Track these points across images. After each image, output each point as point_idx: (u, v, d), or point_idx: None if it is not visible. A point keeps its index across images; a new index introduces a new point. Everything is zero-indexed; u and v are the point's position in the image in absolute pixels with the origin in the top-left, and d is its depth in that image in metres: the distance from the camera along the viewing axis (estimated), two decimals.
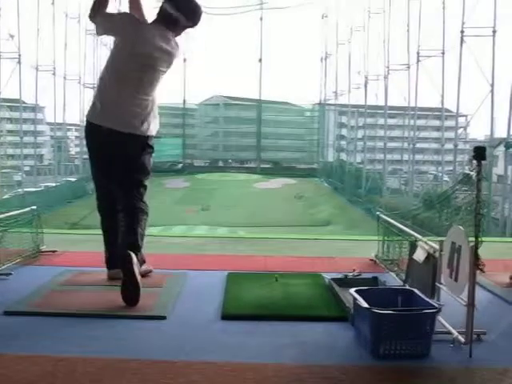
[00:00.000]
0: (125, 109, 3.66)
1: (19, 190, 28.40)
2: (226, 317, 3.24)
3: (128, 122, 3.67)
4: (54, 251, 4.79)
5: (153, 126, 3.80)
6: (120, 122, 3.65)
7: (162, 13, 3.77)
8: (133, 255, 3.39)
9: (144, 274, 3.85)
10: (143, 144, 3.79)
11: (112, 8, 3.77)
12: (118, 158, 3.70)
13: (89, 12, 3.76)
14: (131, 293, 3.33)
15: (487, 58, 20.77)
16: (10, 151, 33.76)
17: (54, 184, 31.56)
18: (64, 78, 30.63)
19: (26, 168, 32.61)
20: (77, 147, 44.62)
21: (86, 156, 4.00)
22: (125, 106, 3.67)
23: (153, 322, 3.16)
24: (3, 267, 4.10)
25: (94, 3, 3.70)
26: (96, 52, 31.46)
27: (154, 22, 3.80)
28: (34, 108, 30.96)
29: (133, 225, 3.68)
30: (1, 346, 2.76)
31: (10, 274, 4.05)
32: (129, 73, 3.65)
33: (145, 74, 3.69)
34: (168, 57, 3.77)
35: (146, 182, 3.85)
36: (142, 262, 3.70)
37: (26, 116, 31.29)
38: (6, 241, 4.25)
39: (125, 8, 3.95)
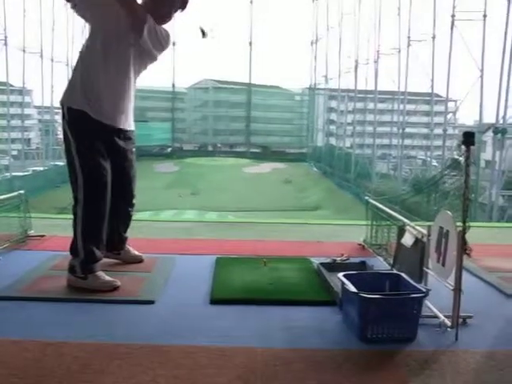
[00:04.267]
0: None
1: (7, 174, 28.19)
2: (215, 301, 3.25)
3: None
4: (42, 236, 4.77)
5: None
6: None
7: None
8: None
9: (133, 262, 3.93)
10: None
11: None
12: None
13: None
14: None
15: (477, 42, 20.86)
16: None
17: (41, 168, 31.36)
18: (51, 60, 30.31)
19: (14, 152, 32.36)
20: None
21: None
22: None
23: (141, 306, 3.16)
24: None
25: None
26: (84, 34, 31.18)
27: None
28: (21, 91, 30.62)
29: None
30: None
31: None
32: None
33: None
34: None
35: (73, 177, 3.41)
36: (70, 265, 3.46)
37: (13, 99, 30.94)
38: None
39: None
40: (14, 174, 27.69)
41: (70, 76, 3.60)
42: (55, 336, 2.69)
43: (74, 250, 3.45)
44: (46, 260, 4.02)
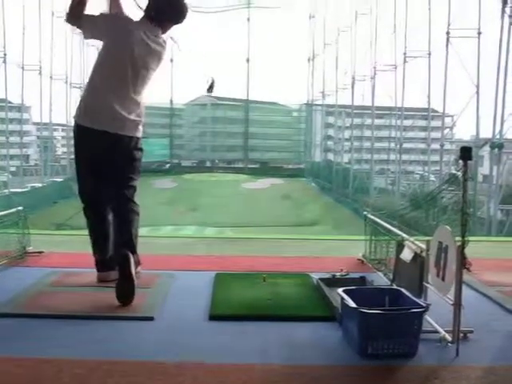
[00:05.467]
0: (116, 110, 3.62)
1: (5, 190, 28.15)
2: (214, 317, 3.24)
3: (121, 123, 3.64)
4: (40, 252, 4.75)
5: (141, 127, 3.81)
6: (114, 123, 3.62)
7: (148, 8, 3.75)
8: (130, 255, 3.40)
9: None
10: (135, 145, 3.78)
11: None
12: (111, 160, 3.67)
13: (65, 15, 3.70)
14: (127, 293, 3.35)
15: (472, 59, 21.01)
16: None
17: (40, 184, 31.33)
18: (50, 77, 30.38)
19: (12, 168, 32.35)
20: (63, 147, 44.37)
21: (73, 156, 3.95)
22: (117, 107, 3.63)
23: (141, 322, 3.15)
24: None
25: (72, 6, 3.60)
26: (83, 51, 31.31)
27: (141, 18, 3.77)
28: (20, 108, 30.68)
29: (125, 225, 3.68)
30: None
31: None
32: (119, 72, 3.63)
33: (135, 73, 3.66)
34: (156, 56, 3.77)
35: (136, 183, 3.83)
36: (137, 263, 3.61)
37: (11, 116, 31.01)
38: None
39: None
40: (12, 190, 27.65)
41: (74, 94, 3.86)
42: (53, 353, 2.67)
43: (131, 240, 3.65)
44: (45, 276, 4.01)
